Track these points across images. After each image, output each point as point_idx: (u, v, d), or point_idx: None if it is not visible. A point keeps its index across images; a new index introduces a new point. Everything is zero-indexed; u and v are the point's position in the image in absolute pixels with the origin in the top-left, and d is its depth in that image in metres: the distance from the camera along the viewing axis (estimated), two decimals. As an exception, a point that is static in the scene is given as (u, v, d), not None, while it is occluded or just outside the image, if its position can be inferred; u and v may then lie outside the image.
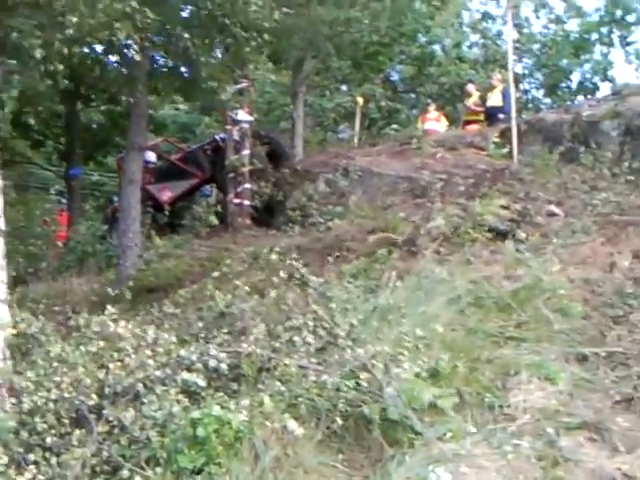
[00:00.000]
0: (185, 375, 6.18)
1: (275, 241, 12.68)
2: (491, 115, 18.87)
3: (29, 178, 27.69)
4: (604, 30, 31.15)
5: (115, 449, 5.59)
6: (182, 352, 6.49)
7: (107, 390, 6.06)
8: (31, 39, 8.40)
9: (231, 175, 16.75)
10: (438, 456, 5.53)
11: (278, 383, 6.15)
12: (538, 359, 7.02)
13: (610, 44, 31.27)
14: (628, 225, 10.58)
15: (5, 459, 5.47)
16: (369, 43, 22.92)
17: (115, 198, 19.84)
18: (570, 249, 9.82)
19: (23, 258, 15.62)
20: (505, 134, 15.30)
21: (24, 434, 5.72)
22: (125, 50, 12.01)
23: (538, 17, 31.86)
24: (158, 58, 14.32)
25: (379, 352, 6.30)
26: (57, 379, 6.14)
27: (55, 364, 6.46)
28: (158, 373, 6.18)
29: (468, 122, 19.90)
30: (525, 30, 31.06)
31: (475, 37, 32.01)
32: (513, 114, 14.87)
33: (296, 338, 6.85)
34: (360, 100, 21.78)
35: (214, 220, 16.21)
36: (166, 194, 18.94)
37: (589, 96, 28.67)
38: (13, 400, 6.10)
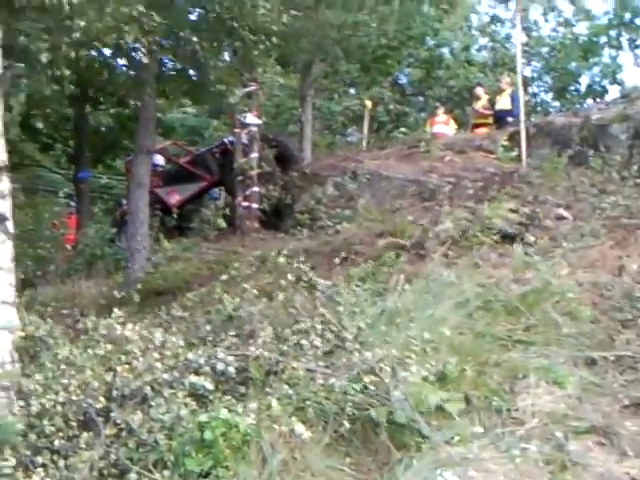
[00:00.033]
0: (193, 378, 6.19)
1: (283, 244, 12.68)
2: (500, 118, 18.86)
3: (38, 181, 27.70)
4: (613, 33, 31.09)
5: (123, 452, 5.60)
6: (190, 355, 6.50)
7: (115, 393, 6.07)
8: (38, 43, 8.41)
9: (239, 178, 16.75)
10: (446, 460, 5.52)
11: (286, 386, 6.15)
12: (546, 363, 7.01)
13: (619, 47, 31.22)
14: (637, 228, 10.55)
15: (13, 461, 5.48)
16: (377, 46, 22.93)
17: (124, 201, 19.85)
18: (579, 253, 9.79)
19: (32, 261, 15.63)
20: (514, 137, 15.28)
21: (32, 437, 5.74)
22: (133, 53, 12.03)
23: (547, 20, 31.83)
24: (166, 61, 14.34)
25: (387, 355, 6.29)
26: (65, 382, 6.15)
27: (63, 367, 6.48)
28: (166, 376, 6.19)
29: (477, 125, 19.89)
30: (534, 33, 31.03)
31: (484, 40, 31.98)
32: (522, 117, 14.84)
33: (304, 341, 6.86)
34: (368, 103, 21.79)
35: (222, 223, 16.19)
36: (175, 197, 18.94)
37: (598, 99, 28.60)
38: (21, 403, 6.12)
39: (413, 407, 5.85)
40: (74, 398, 5.98)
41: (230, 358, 6.50)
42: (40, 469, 5.44)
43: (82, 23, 8.63)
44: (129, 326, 6.83)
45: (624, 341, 7.63)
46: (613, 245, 10.09)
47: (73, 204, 24.03)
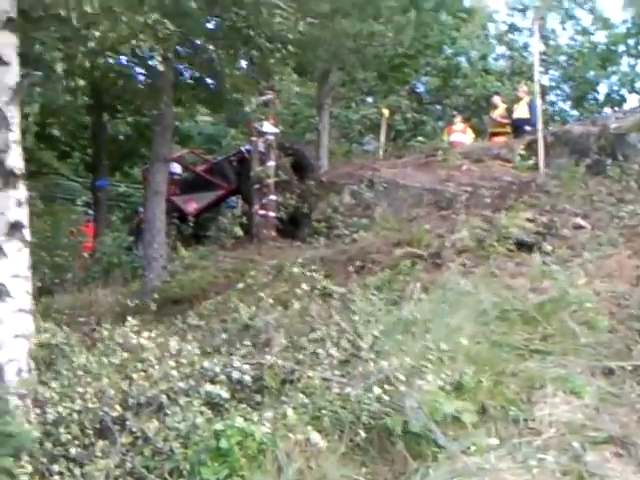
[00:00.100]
0: (209, 387, 6.21)
1: (300, 253, 12.67)
2: (517, 127, 18.83)
3: (56, 189, 27.82)
4: (631, 42, 31.02)
5: (138, 460, 5.61)
6: (206, 363, 6.51)
7: (131, 401, 6.09)
8: (53, 52, 8.45)
9: (256, 187, 16.75)
10: (462, 470, 5.50)
11: (301, 395, 6.15)
12: (564, 372, 6.96)
13: (637, 55, 31.13)
14: (655, 238, 10.51)
15: (30, 469, 5.51)
16: (394, 55, 22.91)
17: (141, 209, 19.90)
18: (596, 262, 9.74)
19: (49, 269, 15.65)
20: (531, 146, 15.24)
21: (48, 445, 5.76)
22: (149, 62, 12.06)
23: (565, 29, 31.82)
24: (183, 70, 14.37)
25: (402, 364, 6.28)
26: (81, 390, 6.18)
27: (79, 374, 6.49)
28: (182, 384, 6.21)
29: (494, 134, 19.85)
30: (552, 42, 30.96)
31: (501, 49, 31.99)
32: (539, 126, 14.80)
33: (320, 350, 6.86)
34: (386, 112, 21.77)
35: (239, 231, 16.19)
36: (192, 205, 18.97)
37: (616, 108, 28.50)
38: (38, 410, 6.14)
39: (428, 416, 5.82)
40: (90, 406, 6.01)
41: (246, 367, 6.51)
42: (56, 477, 5.47)
43: (97, 33, 8.66)
44: (145, 334, 6.85)
45: (642, 351, 7.59)
46: (631, 254, 10.03)
47: (91, 212, 24.10)
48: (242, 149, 19.13)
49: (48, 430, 5.88)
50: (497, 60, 31.42)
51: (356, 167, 17.45)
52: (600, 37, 31.50)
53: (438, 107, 29.51)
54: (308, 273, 8.99)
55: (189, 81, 14.58)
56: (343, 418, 5.93)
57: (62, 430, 5.82)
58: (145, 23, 9.40)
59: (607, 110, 29.43)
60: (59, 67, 8.46)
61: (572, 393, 6.68)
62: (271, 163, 16.80)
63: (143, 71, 13.98)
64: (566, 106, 31.82)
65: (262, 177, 16.66)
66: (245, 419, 5.63)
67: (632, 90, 30.83)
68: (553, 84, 31.02)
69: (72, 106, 17.42)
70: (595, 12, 31.62)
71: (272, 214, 16.55)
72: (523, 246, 10.58)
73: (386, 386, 6.09)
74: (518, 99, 19.64)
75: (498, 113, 20.25)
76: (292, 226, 16.55)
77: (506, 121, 19.71)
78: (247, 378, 6.42)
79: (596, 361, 7.29)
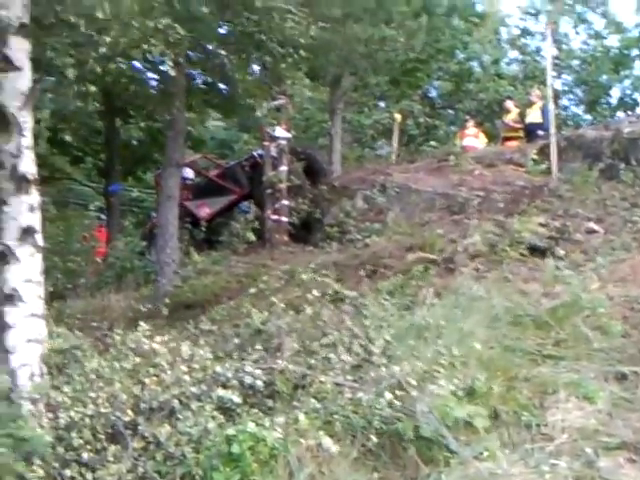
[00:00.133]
0: (220, 391, 6.20)
1: (312, 257, 12.68)
2: (530, 132, 18.77)
3: (69, 194, 27.90)
4: (644, 45, 30.92)
5: (150, 465, 5.61)
6: (218, 368, 6.51)
7: (143, 406, 6.09)
8: (64, 58, 8.48)
9: (269, 191, 16.76)
10: (474, 475, 5.49)
11: (313, 400, 6.15)
12: (577, 378, 6.94)
13: (651, 60, 31.02)
14: (669, 242, 10.48)
15: (42, 473, 5.51)
16: (406, 60, 22.89)
17: (154, 214, 19.93)
18: (609, 266, 9.71)
19: (62, 274, 15.69)
20: (544, 151, 15.20)
21: (60, 449, 5.76)
22: (161, 67, 12.09)
23: (577, 33, 31.69)
24: (196, 75, 14.40)
25: (414, 370, 6.27)
26: (93, 394, 6.18)
27: (92, 378, 6.50)
28: (194, 389, 6.21)
29: (507, 139, 19.81)
30: (564, 46, 30.86)
31: (514, 53, 31.92)
32: (552, 130, 14.78)
33: (332, 355, 6.85)
34: (398, 116, 21.75)
35: (251, 236, 16.19)
36: (204, 210, 19.01)
37: (629, 112, 28.41)
38: (50, 415, 6.15)
39: (440, 421, 5.81)
40: (102, 411, 6.01)
41: (258, 371, 6.50)
42: (69, 482, 5.46)
43: (108, 39, 8.69)
44: (157, 339, 6.86)
45: (655, 356, 7.56)
46: (644, 259, 10.01)
47: (103, 217, 24.15)
48: (254, 154, 19.18)
49: (60, 435, 5.88)
50: (510, 64, 31.35)
51: (368, 172, 17.43)
52: (613, 41, 31.39)
53: (450, 111, 29.48)
54: (320, 278, 8.99)
55: (201, 86, 14.61)
56: (355, 423, 5.92)
57: (74, 435, 5.82)
58: (156, 28, 9.43)
59: (620, 114, 29.30)
60: (70, 73, 8.50)
61: (585, 398, 6.66)
62: (283, 168, 16.81)
63: (155, 76, 14.00)
64: (579, 110, 31.70)
65: (274, 182, 16.66)
66: (257, 424, 5.63)
67: (645, 94, 30.74)
68: (566, 88, 30.92)
69: (83, 111, 17.47)
70: (608, 16, 31.50)
71: (284, 219, 16.55)
72: (536, 251, 10.56)
73: (398, 391, 6.08)
74: (531, 103, 19.58)
75: (511, 117, 20.21)
76: (304, 231, 16.54)
77: (519, 125, 19.67)
78: (259, 383, 6.42)
79: (609, 366, 7.26)
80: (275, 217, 16.54)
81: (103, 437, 5.86)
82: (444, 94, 29.07)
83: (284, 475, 5.42)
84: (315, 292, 8.06)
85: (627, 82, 31.04)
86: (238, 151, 28.11)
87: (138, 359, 6.69)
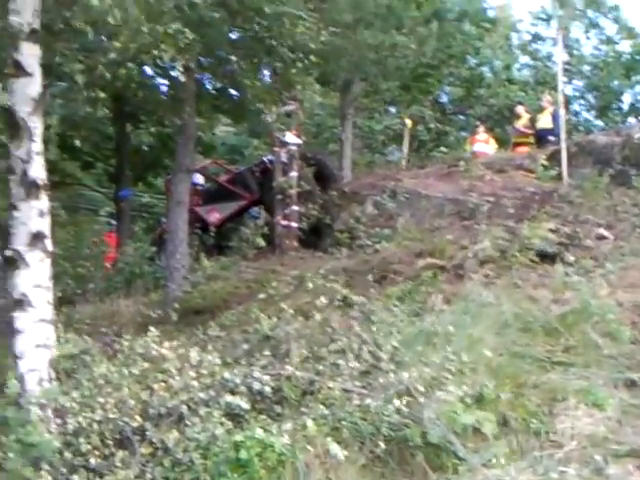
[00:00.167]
0: (229, 398, 6.19)
1: (322, 263, 12.69)
2: (541, 137, 18.76)
3: (79, 200, 27.89)
4: (656, 51, 30.87)
5: (158, 471, 5.61)
6: (226, 374, 6.50)
7: (151, 411, 6.09)
8: (73, 64, 8.50)
9: (279, 197, 16.77)
10: (482, 482, 5.47)
11: (321, 406, 6.14)
12: (586, 384, 6.92)
13: (663, 65, 30.97)
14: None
15: (49, 479, 5.51)
16: (417, 65, 22.89)
17: (164, 220, 19.94)
18: (619, 272, 9.68)
19: (72, 279, 15.70)
20: (554, 156, 15.18)
21: (68, 455, 5.76)
22: (171, 72, 12.11)
23: (589, 38, 31.68)
24: (206, 81, 14.42)
25: (422, 376, 6.25)
26: (101, 400, 6.18)
27: (100, 384, 6.50)
28: (202, 395, 6.21)
29: (518, 144, 19.80)
30: (575, 51, 30.88)
31: (525, 59, 31.93)
32: (563, 136, 14.75)
33: (340, 361, 6.83)
34: (409, 122, 21.77)
35: (261, 242, 16.20)
36: (214, 216, 19.01)
37: (640, 118, 28.43)
38: (58, 420, 6.16)
39: (447, 427, 5.80)
40: (110, 416, 6.01)
41: (266, 377, 6.49)
42: (76, 487, 5.46)
43: (117, 44, 8.72)
44: (166, 344, 6.85)
45: (665, 363, 7.53)
46: (654, 265, 9.98)
47: (114, 222, 24.17)
48: (265, 159, 19.18)
49: (68, 440, 5.88)
50: (521, 70, 31.40)
51: (379, 177, 17.44)
52: (624, 46, 31.38)
53: (461, 117, 29.52)
54: (329, 284, 8.98)
55: (211, 92, 14.62)
56: (363, 429, 5.92)
57: (82, 440, 5.82)
58: (165, 33, 9.44)
59: (631, 120, 29.31)
60: (79, 79, 8.51)
61: (594, 405, 6.64)
62: (294, 173, 16.82)
63: (165, 82, 14.03)
64: (590, 116, 31.69)
65: (285, 187, 16.67)
66: (265, 430, 5.63)
67: (657, 100, 30.71)
68: (577, 94, 30.94)
69: (93, 117, 17.49)
70: (619, 21, 31.47)
71: (294, 224, 16.56)
72: (546, 257, 10.53)
73: (406, 397, 6.07)
74: (542, 109, 19.58)
75: (521, 123, 20.20)
76: (314, 236, 16.54)
77: (529, 131, 19.66)
78: (267, 389, 6.41)
79: (619, 373, 7.23)
80: (285, 223, 16.55)
81: (111, 443, 5.86)
82: (455, 99, 29.11)
83: (292, 481, 5.42)
84: (324, 298, 8.05)
85: (638, 88, 31.01)
86: (248, 157, 28.15)
87: (147, 365, 6.69)
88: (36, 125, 7.09)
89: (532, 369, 7.20)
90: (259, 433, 5.54)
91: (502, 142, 21.69)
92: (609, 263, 9.94)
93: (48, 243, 7.08)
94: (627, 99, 31.15)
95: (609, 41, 31.56)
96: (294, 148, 16.92)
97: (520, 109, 20.96)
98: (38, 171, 7.06)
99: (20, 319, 6.83)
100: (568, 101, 24.99)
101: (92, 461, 5.70)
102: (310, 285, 9.13)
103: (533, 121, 19.74)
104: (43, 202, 7.10)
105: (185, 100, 13.20)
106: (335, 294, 8.53)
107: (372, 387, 6.40)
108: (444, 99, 29.60)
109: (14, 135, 7.06)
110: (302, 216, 16.72)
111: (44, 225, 7.07)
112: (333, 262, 12.97)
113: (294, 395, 6.41)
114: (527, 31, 32.47)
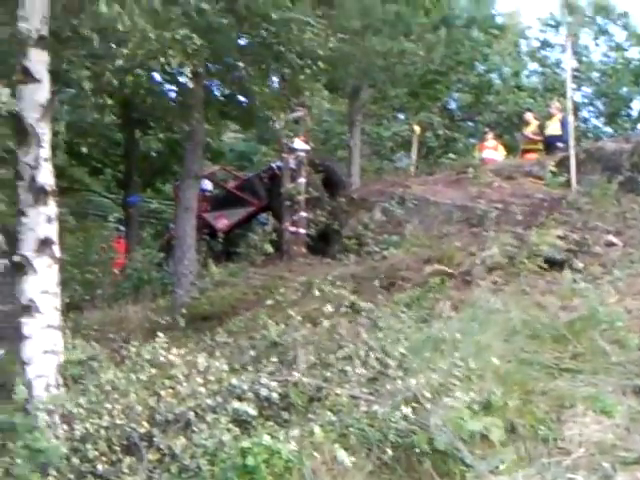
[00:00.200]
0: (236, 404, 6.19)
1: (330, 269, 12.68)
2: (550, 144, 18.71)
3: (88, 206, 27.92)
4: (665, 57, 30.84)
5: (165, 477, 5.62)
6: (233, 380, 6.51)
7: (158, 417, 6.09)
8: (80, 70, 8.53)
9: (287, 203, 16.78)
10: (490, 489, 5.46)
11: (329, 413, 6.13)
12: (594, 391, 6.89)
13: (671, 72, 30.93)
14: (688, 255, 10.41)
15: (57, 485, 5.52)
16: (426, 72, 22.90)
17: (172, 226, 19.95)
18: (627, 279, 9.65)
19: (80, 285, 15.71)
20: (563, 163, 15.15)
21: (75, 461, 5.77)
22: (179, 78, 12.13)
23: (598, 45, 31.67)
24: (214, 87, 14.44)
25: (430, 383, 6.24)
26: (109, 406, 6.19)
27: (107, 390, 6.50)
28: (209, 401, 6.21)
29: (526, 151, 19.75)
30: (585, 58, 30.87)
31: (534, 65, 31.91)
32: (571, 143, 14.71)
33: (347, 368, 6.83)
34: (417, 128, 21.74)
35: (269, 248, 16.19)
36: (222, 222, 19.01)
37: (650, 125, 28.39)
38: (65, 426, 6.16)
39: (455, 434, 5.78)
40: (118, 422, 6.02)
41: (273, 384, 6.49)
42: (83, 493, 5.47)
43: (125, 51, 8.74)
44: (174, 351, 6.86)
45: (673, 370, 7.50)
46: (663, 272, 9.95)
47: (122, 228, 24.18)
48: (273, 166, 19.19)
49: (76, 446, 5.89)
50: (529, 77, 31.38)
51: (387, 184, 17.41)
52: (634, 53, 31.35)
53: (470, 124, 29.48)
54: (337, 290, 8.98)
55: (220, 98, 14.64)
56: (370, 436, 5.90)
57: (89, 446, 5.83)
58: (173, 39, 9.46)
59: (640, 126, 29.29)
60: (87, 85, 8.53)
61: (602, 412, 6.61)
62: (302, 180, 16.83)
63: (174, 88, 14.05)
64: (599, 123, 31.65)
65: (293, 194, 16.68)
66: (272, 437, 5.61)
67: (666, 107, 30.69)
68: (586, 100, 30.90)
69: (100, 123, 17.52)
70: (629, 28, 31.46)
71: (302, 231, 16.56)
72: (554, 264, 10.51)
73: (413, 404, 6.06)
74: (550, 116, 19.52)
75: (530, 130, 20.14)
76: (322, 243, 16.53)
77: (538, 138, 19.61)
78: (274, 395, 6.41)
79: (627, 380, 7.20)
80: (293, 229, 16.55)
81: (118, 449, 5.87)
82: (463, 106, 29.10)
83: (299, 488, 5.41)
84: (331, 305, 8.05)
85: (647, 94, 30.98)
86: (257, 163, 28.16)
87: (154, 371, 6.70)
88: (44, 131, 7.11)
89: (540, 376, 7.17)
90: (266, 439, 5.53)
91: (511, 149, 21.63)
92: (617, 270, 9.93)
93: (56, 249, 7.09)
94: (636, 106, 31.22)
95: (618, 48, 31.54)
96: (302, 154, 16.93)
97: (529, 116, 20.91)
98: (46, 177, 7.09)
99: (28, 325, 6.85)
100: (577, 108, 24.92)
101: (99, 467, 5.71)
102: (318, 292, 9.12)
103: (542, 128, 19.69)
104: (51, 208, 7.12)
105: (193, 106, 13.22)
106: (343, 300, 8.54)
107: (379, 394, 6.39)
108: (453, 106, 29.60)
109: (22, 141, 7.08)
110: (310, 222, 16.72)
111: (52, 231, 7.09)
112: (341, 268, 12.96)
113: (301, 401, 6.41)
114: (536, 38, 32.53)
